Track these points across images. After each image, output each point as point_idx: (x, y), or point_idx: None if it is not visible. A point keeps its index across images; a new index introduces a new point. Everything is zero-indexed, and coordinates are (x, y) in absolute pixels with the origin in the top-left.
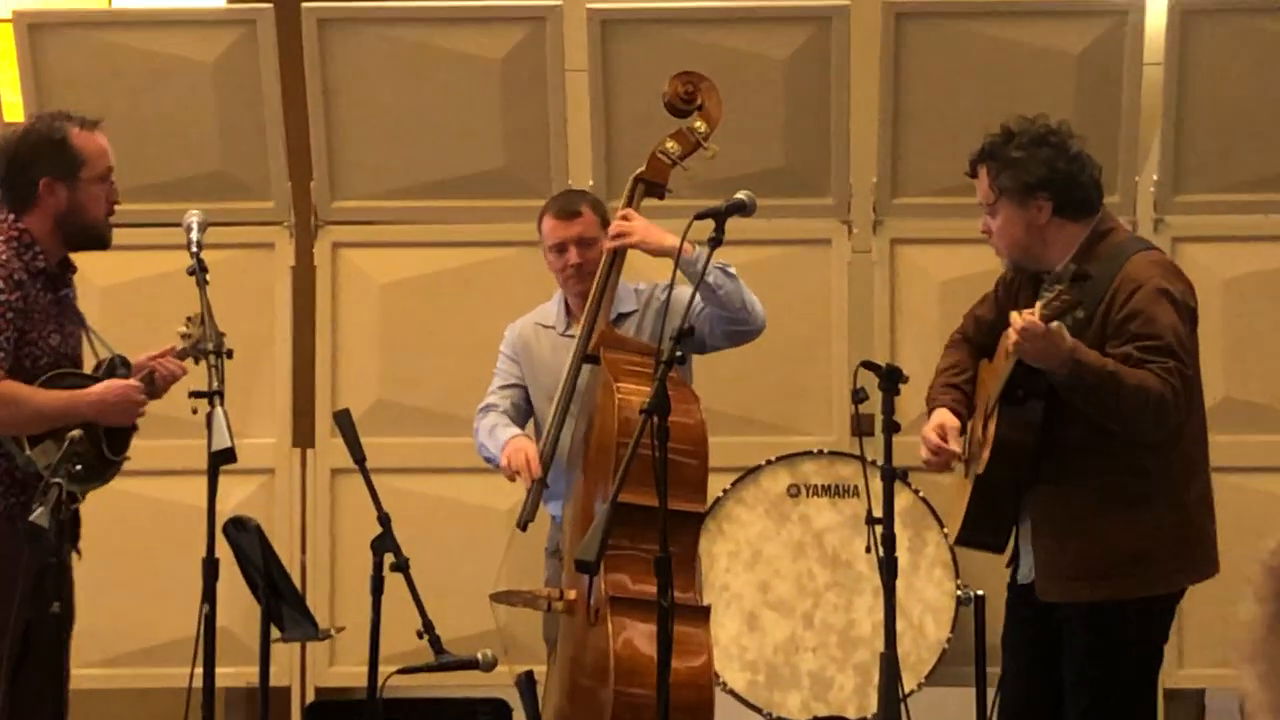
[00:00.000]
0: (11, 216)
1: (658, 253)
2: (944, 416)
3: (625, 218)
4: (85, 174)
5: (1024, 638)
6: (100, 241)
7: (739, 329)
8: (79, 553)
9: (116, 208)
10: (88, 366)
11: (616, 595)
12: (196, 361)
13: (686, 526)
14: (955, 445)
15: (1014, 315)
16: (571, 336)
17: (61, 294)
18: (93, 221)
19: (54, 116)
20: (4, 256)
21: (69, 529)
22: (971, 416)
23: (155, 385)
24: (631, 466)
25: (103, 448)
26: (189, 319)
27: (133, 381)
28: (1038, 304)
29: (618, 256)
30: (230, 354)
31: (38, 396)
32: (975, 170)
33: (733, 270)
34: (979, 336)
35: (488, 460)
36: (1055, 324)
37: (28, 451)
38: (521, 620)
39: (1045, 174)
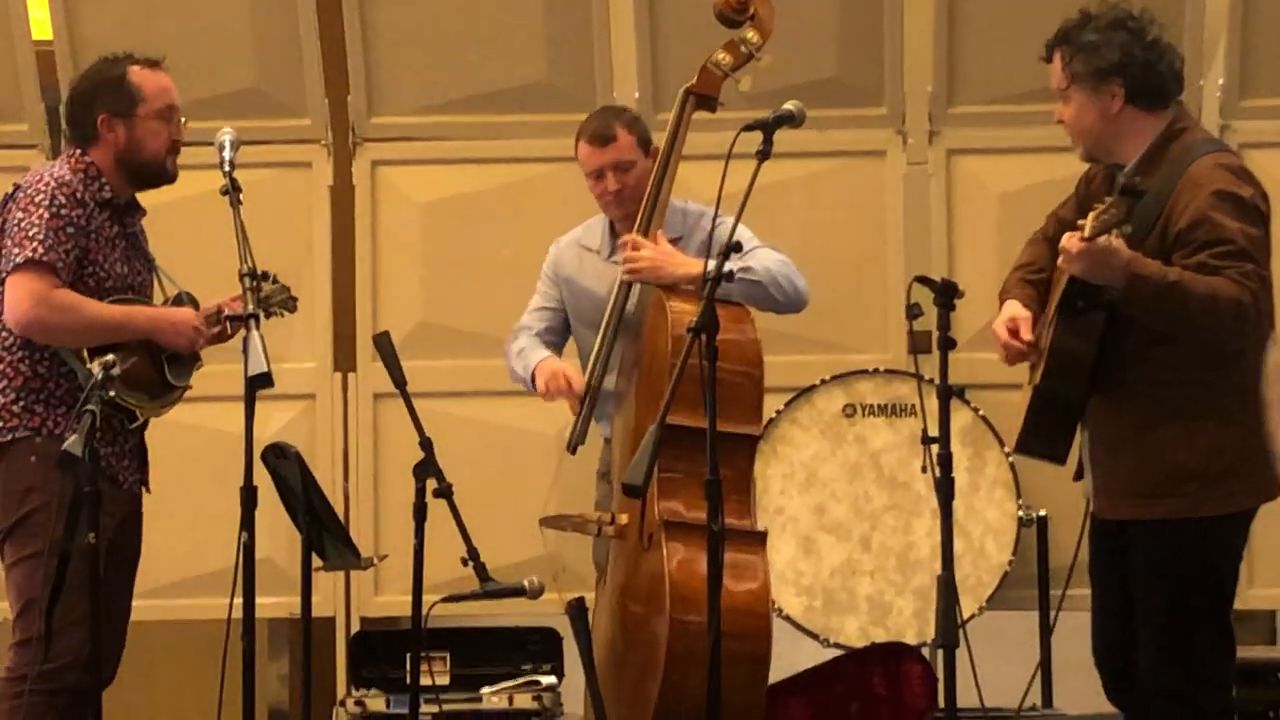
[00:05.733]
0: (78, 151)
1: (672, 285)
2: (1014, 309)
3: (635, 245)
4: (142, 110)
5: (1102, 561)
6: (163, 177)
7: (773, 311)
8: (148, 488)
9: (179, 150)
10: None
11: (671, 520)
12: (268, 316)
13: (741, 449)
14: (1028, 335)
15: (1065, 235)
16: (616, 262)
17: (130, 230)
18: (151, 158)
19: (115, 57)
20: (68, 178)
21: (136, 461)
22: (1043, 315)
23: (221, 324)
24: (680, 387)
25: (165, 372)
26: (265, 275)
27: (190, 311)
28: (1089, 217)
29: (667, 172)
30: (267, 276)
31: (93, 306)
32: (1050, 54)
33: (756, 275)
34: (1059, 237)
35: (515, 380)
36: (1105, 239)
37: (89, 365)
38: (571, 545)
39: (1119, 59)
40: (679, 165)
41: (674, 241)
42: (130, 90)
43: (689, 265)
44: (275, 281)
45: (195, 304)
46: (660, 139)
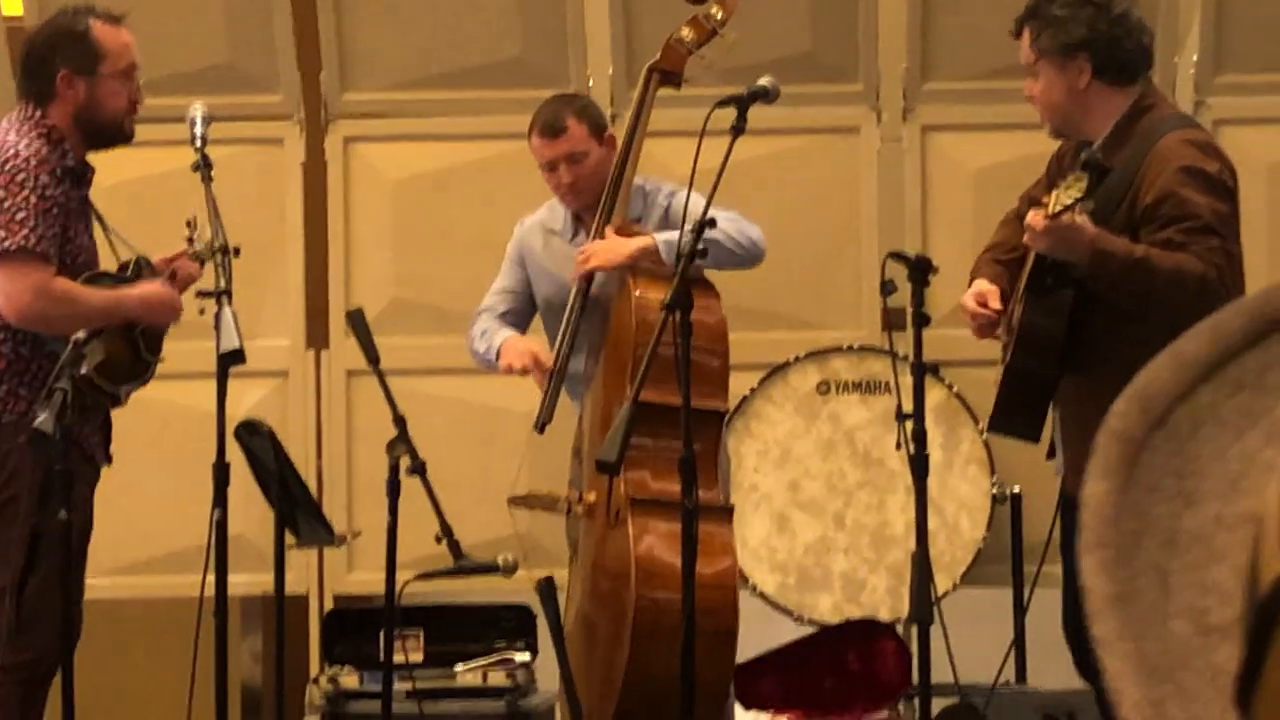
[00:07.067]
0: (38, 113)
1: (630, 263)
2: (982, 284)
3: (583, 253)
4: (105, 68)
5: (1073, 538)
6: (121, 137)
7: (735, 267)
8: (110, 459)
9: (138, 109)
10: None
11: (637, 496)
12: (202, 265)
13: (709, 425)
14: (996, 304)
15: (1030, 212)
16: (579, 245)
17: (84, 193)
18: (110, 118)
19: (77, 10)
20: (44, 152)
21: (104, 436)
22: (1013, 295)
23: (175, 284)
24: (652, 364)
25: (140, 348)
26: (189, 223)
27: (168, 287)
28: (1053, 193)
29: (631, 151)
30: (237, 252)
31: (87, 294)
32: (1019, 30)
33: (710, 235)
34: None
35: (485, 365)
36: (1068, 215)
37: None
38: (542, 524)
39: (1085, 34)
40: (644, 143)
41: (634, 221)
42: (93, 46)
43: (635, 241)
44: (210, 221)
45: (151, 268)
46: (626, 118)
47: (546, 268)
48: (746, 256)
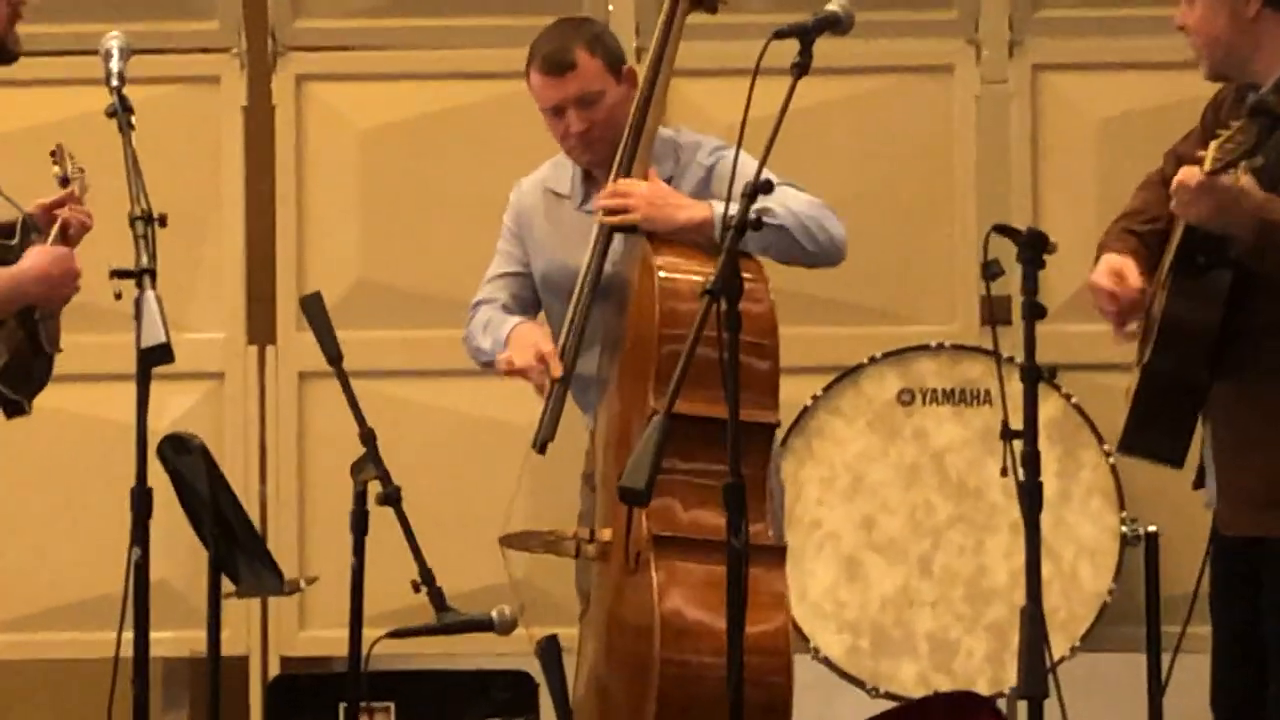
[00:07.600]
0: None
1: (675, 233)
2: (1114, 258)
3: (619, 192)
4: None
5: (1227, 590)
6: (2, 55)
7: (803, 264)
8: None
9: (21, 15)
10: None
11: (662, 534)
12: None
13: (756, 442)
14: (1136, 281)
15: (1181, 170)
16: (591, 211)
17: None
18: None
19: None
20: None
21: None
22: (1155, 277)
23: (69, 241)
24: (690, 364)
25: (41, 340)
26: (54, 153)
27: (65, 249)
28: (1210, 146)
29: (655, 91)
30: (163, 221)
31: None
32: None
33: (779, 219)
34: None
35: (484, 365)
36: (1230, 174)
37: None
38: (545, 568)
39: None
40: (669, 83)
41: (664, 182)
42: None
43: (692, 208)
44: (66, 157)
45: (38, 229)
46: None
47: (549, 240)
48: (820, 253)
